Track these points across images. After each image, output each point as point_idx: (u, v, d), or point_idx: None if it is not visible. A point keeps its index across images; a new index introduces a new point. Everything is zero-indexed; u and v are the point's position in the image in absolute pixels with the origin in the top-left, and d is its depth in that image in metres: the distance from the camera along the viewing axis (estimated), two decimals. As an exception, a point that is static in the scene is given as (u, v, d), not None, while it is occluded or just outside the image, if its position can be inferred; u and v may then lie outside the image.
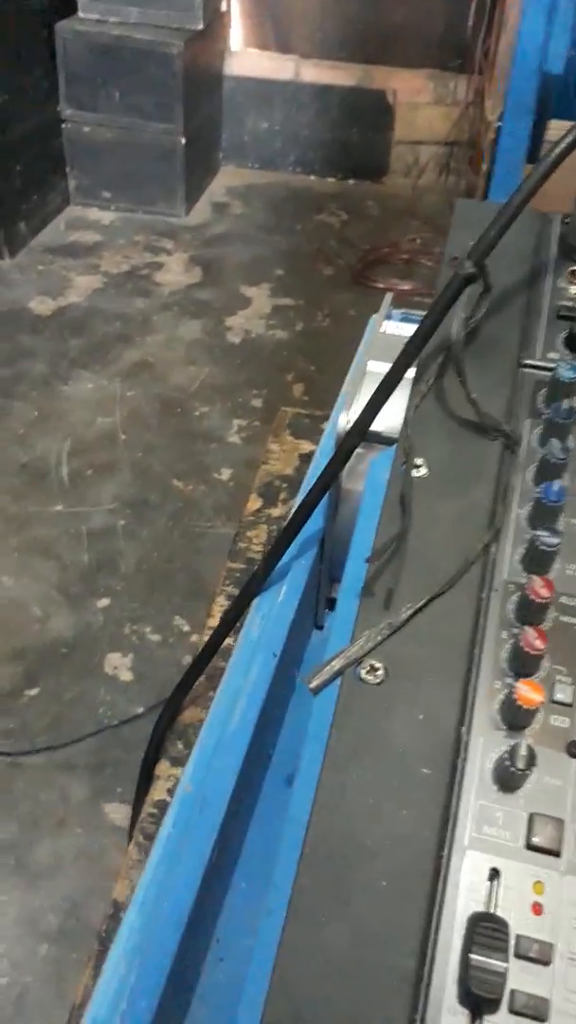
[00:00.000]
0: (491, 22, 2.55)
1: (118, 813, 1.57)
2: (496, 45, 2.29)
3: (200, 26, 2.73)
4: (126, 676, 1.81)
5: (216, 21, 2.88)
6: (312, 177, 3.32)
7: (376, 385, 0.53)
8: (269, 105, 3.15)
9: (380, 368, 0.62)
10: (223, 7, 2.89)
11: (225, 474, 2.21)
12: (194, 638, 1.85)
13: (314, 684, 0.46)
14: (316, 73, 3.10)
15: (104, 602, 1.96)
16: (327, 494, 0.61)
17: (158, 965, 0.41)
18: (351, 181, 3.29)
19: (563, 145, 0.48)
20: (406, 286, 2.62)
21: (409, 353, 0.51)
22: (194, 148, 2.96)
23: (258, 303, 2.78)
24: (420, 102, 3.06)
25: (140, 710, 1.71)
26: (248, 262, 2.96)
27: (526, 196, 0.48)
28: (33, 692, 1.78)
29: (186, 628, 1.87)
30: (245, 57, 3.11)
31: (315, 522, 0.63)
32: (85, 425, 2.36)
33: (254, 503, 0.82)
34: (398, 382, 0.52)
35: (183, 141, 2.87)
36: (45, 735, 1.69)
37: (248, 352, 2.58)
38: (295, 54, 3.09)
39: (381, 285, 2.62)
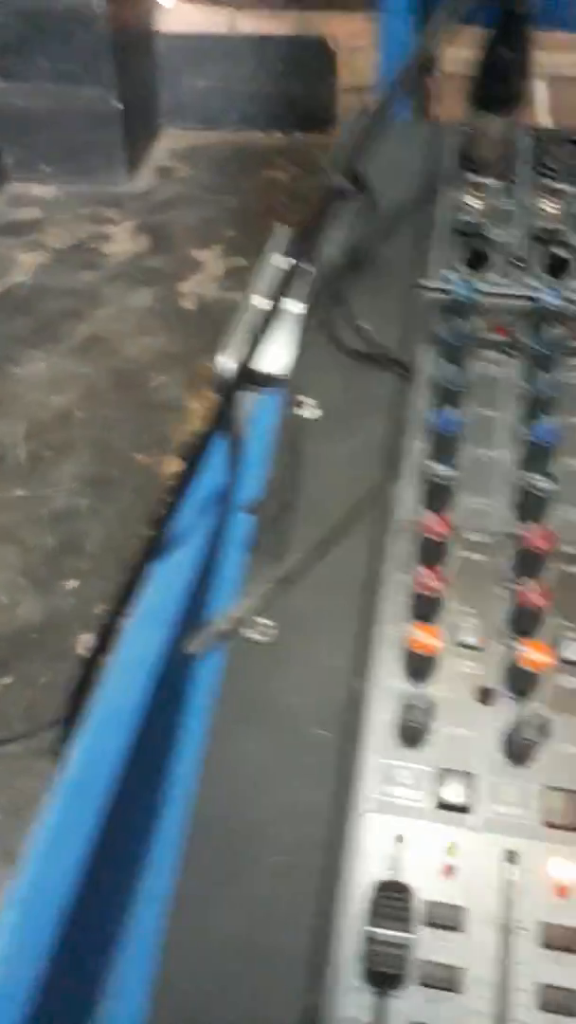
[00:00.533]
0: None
1: (97, 796, 1.54)
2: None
3: (125, -18, 2.62)
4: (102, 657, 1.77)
5: (142, -24, 2.77)
6: (257, 133, 3.22)
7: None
8: (206, 61, 3.05)
9: (263, 305, 0.57)
10: (148, -39, 2.78)
11: (186, 444, 2.15)
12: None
13: (195, 649, 0.43)
14: (252, 24, 2.99)
15: (72, 584, 1.91)
16: (226, 446, 0.57)
17: (29, 968, 0.38)
18: (298, 134, 3.19)
19: (420, 47, 0.43)
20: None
21: (281, 283, 0.47)
22: (131, 112, 2.86)
23: (210, 266, 2.70)
24: (361, 46, 2.96)
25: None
26: (197, 225, 2.88)
27: (389, 101, 0.44)
28: (7, 680, 1.74)
29: (155, 604, 1.83)
30: (176, 12, 3.00)
31: (217, 477, 0.59)
32: (40, 406, 2.30)
33: (173, 465, 0.77)
34: (271, 317, 0.48)
35: (119, 106, 2.78)
36: (21, 722, 1.66)
37: (203, 317, 2.51)
38: (229, 5, 2.98)
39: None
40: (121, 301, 2.56)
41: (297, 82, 3.05)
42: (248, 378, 0.50)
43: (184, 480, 0.50)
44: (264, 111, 3.14)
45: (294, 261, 0.46)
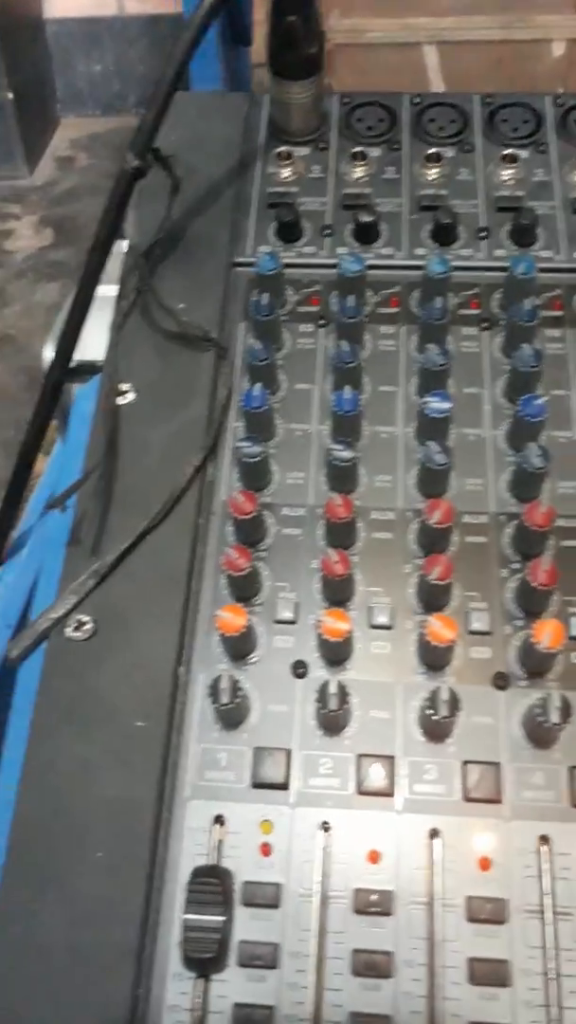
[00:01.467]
0: None
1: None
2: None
3: (4, -32, 2.55)
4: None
5: (23, -39, 2.70)
6: (157, 116, 3.16)
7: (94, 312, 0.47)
8: (98, 45, 2.98)
9: (105, 292, 0.56)
10: (28, -55, 2.70)
11: (101, 438, 2.12)
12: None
13: (14, 653, 0.42)
14: (140, 5, 2.93)
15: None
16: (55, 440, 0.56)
17: None
18: (198, 115, 3.14)
19: (199, 16, 0.42)
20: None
21: (89, 269, 0.46)
22: (25, 102, 2.79)
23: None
24: (257, 19, 2.92)
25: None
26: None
27: (174, 75, 0.43)
28: None
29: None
30: (63, -4, 2.93)
31: (63, 474, 0.58)
32: (-50, 410, 2.23)
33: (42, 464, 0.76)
34: (87, 302, 0.47)
35: (10, 96, 2.70)
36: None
37: (112, 308, 2.47)
38: (115, -14, 2.92)
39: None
40: (28, 297, 2.51)
41: (193, 62, 3.02)
42: (76, 369, 0.49)
43: (18, 479, 0.49)
44: (162, 93, 3.10)
45: (91, 246, 0.45)
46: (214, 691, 0.38)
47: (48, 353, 0.53)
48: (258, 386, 0.43)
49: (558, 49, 2.19)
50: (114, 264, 0.59)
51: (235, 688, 0.38)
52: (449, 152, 0.52)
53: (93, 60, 3.03)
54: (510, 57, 2.17)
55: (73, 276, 2.64)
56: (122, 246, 0.61)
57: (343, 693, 0.37)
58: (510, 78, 2.12)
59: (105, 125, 3.19)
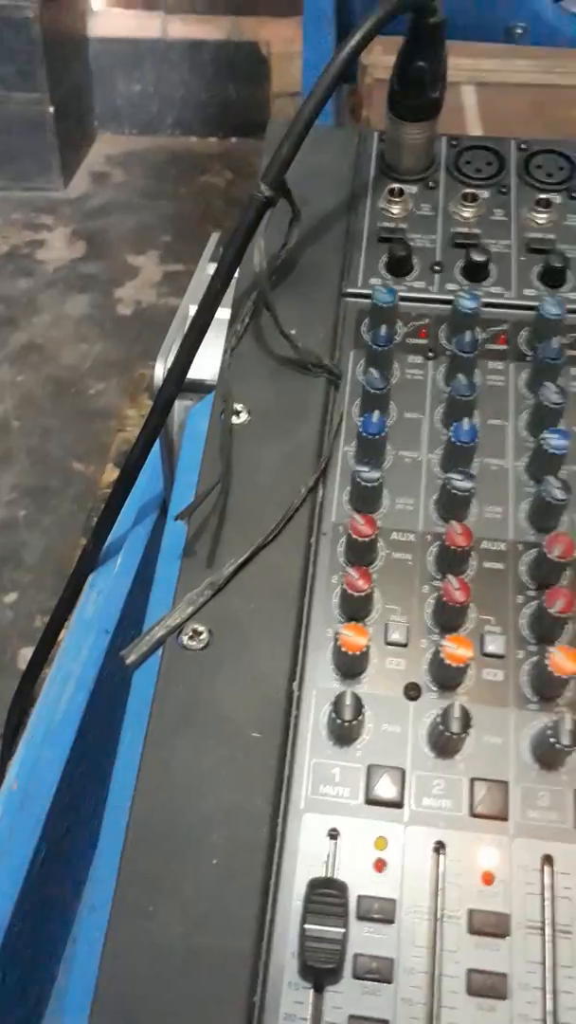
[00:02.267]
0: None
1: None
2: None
3: (56, -14, 2.61)
4: (43, 670, 1.74)
5: (73, -20, 2.76)
6: (193, 138, 3.22)
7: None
8: (139, 66, 3.03)
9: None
10: (79, -35, 2.76)
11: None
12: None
13: (132, 658, 0.43)
14: (184, 29, 2.99)
15: (11, 597, 1.88)
16: (160, 454, 0.57)
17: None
18: (233, 139, 3.20)
19: (342, 55, 0.44)
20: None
21: (213, 292, 0.47)
22: (65, 117, 2.84)
23: (147, 271, 2.69)
24: (295, 51, 2.97)
25: (57, 702, 1.65)
26: (134, 231, 2.87)
27: (313, 109, 0.44)
28: (-55, 696, 1.70)
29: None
30: (108, 17, 2.99)
31: (154, 486, 0.59)
32: (-24, 415, 2.25)
33: (110, 474, 0.77)
34: (206, 324, 0.48)
35: (52, 110, 2.75)
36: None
37: (141, 323, 2.50)
38: (160, 10, 2.98)
39: (269, 243, 2.55)
40: (57, 308, 2.53)
41: (231, 87, 3.07)
42: (183, 386, 0.50)
43: (121, 489, 0.50)
44: (199, 116, 3.14)
45: (216, 269, 0.46)
46: (337, 707, 0.39)
47: (159, 370, 0.54)
48: (377, 413, 0.45)
49: (598, 95, 2.23)
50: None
51: (358, 706, 0.39)
52: (557, 198, 0.54)
53: (133, 80, 3.08)
54: (550, 101, 2.21)
55: (103, 289, 2.66)
56: (210, 268, 0.63)
57: (466, 717, 0.38)
58: (549, 123, 2.16)
59: (140, 143, 3.24)
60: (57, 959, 0.46)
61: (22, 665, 1.75)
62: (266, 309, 0.48)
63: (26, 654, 1.77)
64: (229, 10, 2.96)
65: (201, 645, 0.42)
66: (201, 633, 0.43)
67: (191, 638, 0.43)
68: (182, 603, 0.43)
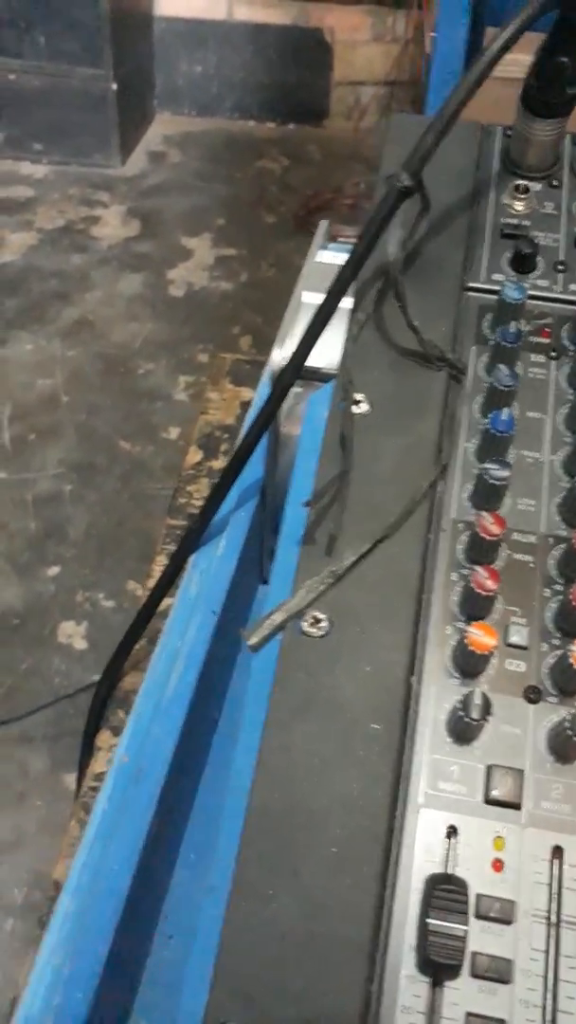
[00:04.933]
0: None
1: (79, 783, 1.54)
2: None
3: (125, -37, 2.60)
4: (80, 644, 1.76)
5: (142, -42, 2.75)
6: (251, 122, 3.21)
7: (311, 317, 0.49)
8: (202, 48, 3.03)
9: (316, 299, 0.58)
10: (148, -57, 2.75)
11: (173, 433, 2.15)
12: (149, 601, 1.81)
13: (253, 641, 0.43)
14: (250, 12, 2.97)
15: (54, 570, 1.90)
16: (265, 439, 0.57)
17: (93, 953, 0.38)
18: (291, 125, 3.19)
19: (496, 47, 0.44)
20: (351, 231, 2.55)
21: (343, 279, 0.47)
22: (126, 95, 2.84)
23: (200, 254, 2.69)
24: (359, 40, 2.96)
25: (96, 678, 1.67)
26: (188, 212, 2.86)
27: (462, 100, 0.44)
28: (-15, 665, 1.73)
29: (140, 592, 1.82)
30: (175, -4, 2.98)
31: (255, 470, 0.59)
32: (25, 388, 2.27)
33: (194, 455, 0.78)
34: (332, 312, 0.48)
35: (114, 87, 2.75)
36: (0, 708, 1.65)
37: (192, 305, 2.50)
38: (227, -9, 2.96)
39: (325, 232, 2.54)
40: (110, 285, 2.54)
41: (293, 73, 3.05)
42: (295, 372, 0.50)
43: (232, 472, 0.50)
44: (258, 101, 3.13)
45: (349, 257, 0.46)
46: (466, 706, 0.39)
47: (277, 355, 0.54)
48: (507, 411, 0.44)
49: None
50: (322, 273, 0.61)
51: (487, 706, 0.39)
52: None
53: (195, 61, 3.07)
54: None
55: (155, 269, 2.67)
56: (324, 255, 0.63)
57: (587, 722, 0.38)
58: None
59: (199, 125, 3.24)
60: (150, 935, 0.46)
61: (62, 639, 1.76)
62: (396, 300, 0.48)
63: (66, 628, 1.78)
64: (296, -5, 2.94)
65: (321, 632, 0.42)
66: (321, 620, 0.43)
67: (311, 624, 0.43)
68: (302, 589, 0.43)
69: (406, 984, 0.36)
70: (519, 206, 0.54)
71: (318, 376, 0.54)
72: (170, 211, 2.85)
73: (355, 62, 3.02)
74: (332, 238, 0.65)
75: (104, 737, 0.60)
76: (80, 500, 2.01)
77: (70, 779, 1.54)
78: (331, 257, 0.62)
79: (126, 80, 2.80)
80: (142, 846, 0.40)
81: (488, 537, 0.42)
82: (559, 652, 0.41)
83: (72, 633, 1.79)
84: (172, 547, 0.73)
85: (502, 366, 0.47)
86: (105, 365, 2.33)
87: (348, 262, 0.47)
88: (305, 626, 0.42)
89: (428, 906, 0.36)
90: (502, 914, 0.37)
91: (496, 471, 0.43)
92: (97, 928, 0.39)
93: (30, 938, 1.36)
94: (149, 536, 1.93)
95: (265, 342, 2.53)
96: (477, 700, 0.39)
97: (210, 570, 0.52)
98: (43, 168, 2.93)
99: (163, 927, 0.48)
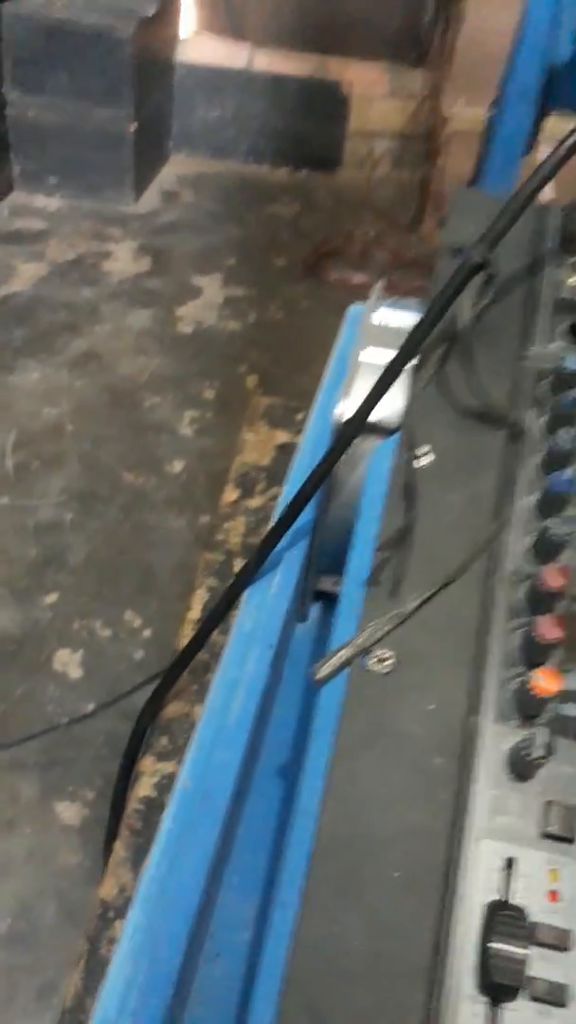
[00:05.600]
0: (448, 15, 2.56)
1: (69, 812, 1.54)
2: (454, 38, 2.29)
3: (152, 10, 2.69)
4: (76, 672, 1.77)
5: (168, 5, 2.84)
6: (265, 167, 3.29)
7: (370, 375, 0.52)
8: (221, 93, 3.11)
9: (372, 358, 0.61)
10: (174, -7, 2.85)
11: (177, 466, 2.18)
12: (146, 633, 1.82)
13: (321, 675, 0.46)
14: (270, 62, 3.07)
15: (52, 597, 1.91)
16: (327, 486, 0.60)
17: (168, 962, 0.40)
18: (304, 172, 3.27)
19: (572, 141, 0.48)
20: (359, 279, 2.62)
21: (415, 340, 0.51)
22: (144, 135, 2.91)
23: (209, 293, 2.75)
24: (375, 94, 3.06)
25: (91, 707, 1.68)
26: (199, 251, 2.93)
27: (539, 185, 0.48)
28: (-19, 690, 1.73)
29: (137, 623, 1.84)
30: (197, 44, 3.07)
31: (306, 513, 0.62)
32: (31, 416, 2.30)
33: (231, 494, 0.80)
34: (401, 371, 0.51)
35: (133, 128, 2.83)
36: (-7, 734, 1.65)
37: (200, 343, 2.55)
38: (249, 42, 3.06)
39: (334, 277, 2.62)
40: (119, 319, 2.59)
41: (308, 122, 3.14)
42: (360, 425, 0.54)
43: (291, 513, 0.53)
44: (273, 147, 3.22)
45: (422, 319, 0.50)
46: (530, 745, 0.42)
47: (341, 408, 0.58)
48: (569, 471, 0.48)
49: None
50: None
51: (551, 747, 0.42)
52: None
53: (213, 106, 3.16)
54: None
55: (165, 306, 2.71)
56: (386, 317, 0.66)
57: None
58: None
59: (213, 167, 3.32)
60: (202, 951, 0.48)
61: (57, 666, 1.77)
62: (465, 363, 0.52)
63: (62, 655, 1.79)
64: (316, 48, 3.04)
65: (386, 670, 0.45)
66: (387, 659, 0.45)
67: (377, 662, 0.45)
68: (369, 628, 0.46)
69: (466, 1004, 0.39)
70: (573, 280, 0.58)
71: (374, 429, 0.57)
72: (181, 249, 2.91)
73: (370, 115, 3.12)
74: (382, 295, 0.69)
75: (147, 763, 0.62)
76: (81, 529, 2.03)
77: (61, 807, 1.54)
78: (381, 318, 0.66)
79: (145, 121, 2.88)
80: (208, 864, 0.43)
81: (552, 588, 0.45)
82: (610, 698, 0.44)
83: (68, 661, 1.79)
84: (211, 581, 0.76)
85: (565, 429, 0.50)
86: (111, 397, 2.36)
87: (419, 326, 0.51)
88: (371, 663, 0.45)
89: (489, 930, 0.39)
90: (558, 941, 0.40)
91: (559, 527, 0.47)
92: (170, 939, 0.41)
93: (15, 968, 1.35)
94: (149, 567, 1.94)
95: (271, 382, 2.57)
96: (541, 740, 0.41)
97: (265, 605, 0.55)
98: (56, 202, 2.99)
99: (210, 946, 0.50)
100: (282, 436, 0.88)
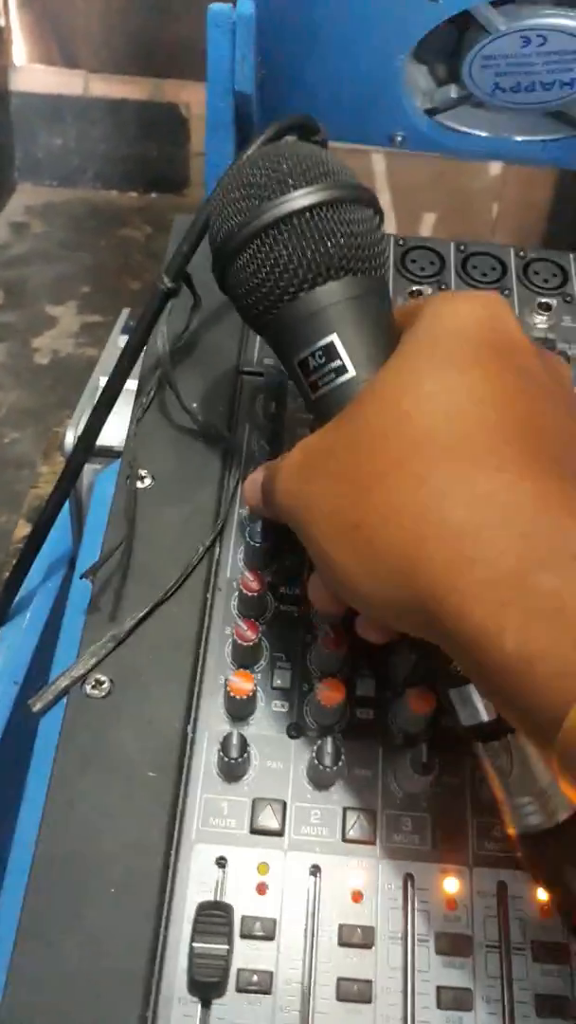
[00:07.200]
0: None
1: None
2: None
3: (-23, 43, 2.65)
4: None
5: (-5, 38, 2.81)
6: (113, 192, 3.28)
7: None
8: (61, 121, 3.10)
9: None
10: (1, 22, 2.82)
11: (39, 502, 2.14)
12: None
13: (38, 706, 0.46)
14: (106, 87, 3.07)
15: None
16: (69, 514, 0.61)
17: None
18: (153, 195, 3.28)
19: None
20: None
21: (121, 369, 0.52)
22: (-16, 167, 2.86)
23: (65, 322, 2.73)
24: (213, 115, 3.07)
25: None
26: (52, 281, 2.90)
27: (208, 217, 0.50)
28: None
29: None
30: (30, 73, 3.05)
31: (63, 543, 0.63)
32: None
33: (22, 529, 0.81)
34: (114, 397, 0.53)
35: (-29, 161, 2.77)
36: None
37: (58, 372, 2.52)
38: (83, 69, 3.05)
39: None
40: (-27, 355, 2.54)
41: (152, 145, 3.16)
42: (93, 450, 0.55)
43: (32, 546, 0.54)
44: (119, 171, 3.22)
45: (123, 350, 0.51)
46: (224, 747, 0.43)
47: (70, 436, 0.59)
48: (266, 482, 0.50)
49: (495, 169, 2.38)
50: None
51: (243, 745, 0.44)
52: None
53: (54, 134, 3.15)
54: (451, 171, 2.35)
55: (20, 338, 2.67)
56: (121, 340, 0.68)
57: (337, 752, 0.43)
58: (449, 191, 2.31)
59: (61, 195, 3.30)
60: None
61: None
62: (169, 387, 0.54)
63: None
64: (151, 72, 3.06)
65: (103, 694, 0.47)
66: (103, 683, 0.47)
67: (94, 687, 0.47)
68: (86, 655, 0.47)
69: (177, 1006, 0.40)
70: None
71: (112, 454, 0.59)
72: (34, 281, 2.88)
73: (211, 135, 3.14)
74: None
75: None
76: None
77: None
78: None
79: (-16, 153, 2.84)
80: None
81: (249, 592, 0.47)
82: (314, 690, 0.46)
83: None
84: None
85: (263, 441, 0.53)
86: (-31, 434, 2.31)
87: (123, 354, 0.52)
88: (88, 689, 0.46)
89: (194, 931, 0.40)
90: (264, 932, 0.42)
91: (256, 531, 0.49)
92: None
93: None
94: None
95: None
96: (234, 741, 0.43)
97: (15, 642, 0.55)
98: None
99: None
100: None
